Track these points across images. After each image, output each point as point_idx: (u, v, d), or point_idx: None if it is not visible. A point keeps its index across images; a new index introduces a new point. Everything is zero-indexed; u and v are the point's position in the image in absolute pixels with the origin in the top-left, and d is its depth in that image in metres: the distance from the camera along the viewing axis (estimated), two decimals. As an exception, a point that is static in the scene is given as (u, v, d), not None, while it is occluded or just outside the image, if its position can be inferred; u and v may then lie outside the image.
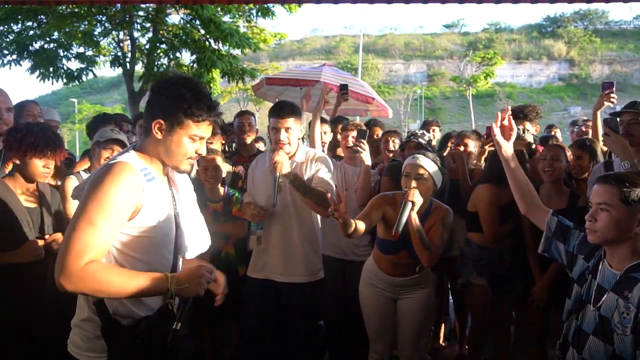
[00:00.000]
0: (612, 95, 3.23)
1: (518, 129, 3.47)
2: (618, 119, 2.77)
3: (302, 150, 3.03)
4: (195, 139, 1.65)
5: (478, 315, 3.40)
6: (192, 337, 3.39)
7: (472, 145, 3.87)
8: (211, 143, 3.55)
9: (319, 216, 3.02)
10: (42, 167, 2.44)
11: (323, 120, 4.29)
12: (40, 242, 2.43)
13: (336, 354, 3.69)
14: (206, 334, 3.42)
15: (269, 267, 2.95)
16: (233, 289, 3.08)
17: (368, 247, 3.49)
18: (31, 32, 9.27)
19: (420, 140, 3.58)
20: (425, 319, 2.98)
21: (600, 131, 3.20)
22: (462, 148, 3.87)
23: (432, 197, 2.87)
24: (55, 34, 9.46)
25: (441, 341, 4.22)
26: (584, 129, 4.42)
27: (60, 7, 8.80)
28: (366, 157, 3.28)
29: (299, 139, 2.97)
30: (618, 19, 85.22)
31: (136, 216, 1.57)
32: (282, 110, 2.86)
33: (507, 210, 3.16)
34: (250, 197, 3.08)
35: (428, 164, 2.71)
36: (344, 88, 4.77)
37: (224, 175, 3.44)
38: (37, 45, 9.37)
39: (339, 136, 4.22)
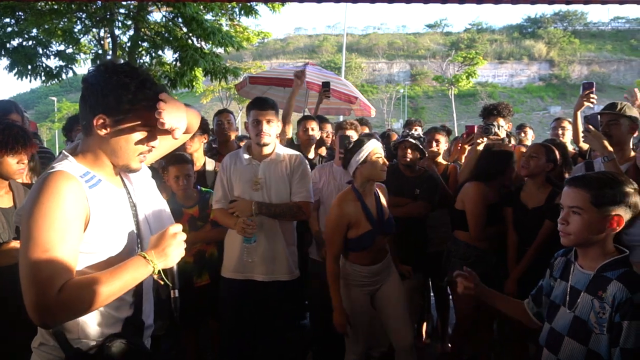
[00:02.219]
0: (591, 95, 3.30)
1: (493, 125, 3.56)
2: (599, 117, 2.82)
3: (280, 148, 3.05)
4: (146, 130, 1.48)
5: (462, 313, 3.44)
6: (172, 339, 3.39)
7: (443, 141, 4.01)
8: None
9: None
10: (17, 164, 2.39)
11: (312, 117, 4.31)
12: (17, 244, 2.39)
13: (320, 353, 3.70)
14: (189, 334, 3.41)
15: (250, 268, 2.93)
16: (217, 288, 3.12)
17: None
18: (9, 29, 9.09)
19: (414, 140, 3.61)
20: (405, 295, 3.03)
21: (581, 129, 3.27)
22: (433, 144, 3.98)
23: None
24: (34, 31, 9.28)
25: (424, 339, 4.25)
26: (559, 131, 4.48)
27: (39, 4, 8.65)
28: None
29: (276, 135, 3.00)
30: (596, 21, 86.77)
31: (87, 228, 1.40)
32: (264, 103, 2.91)
33: (494, 209, 3.25)
34: (222, 202, 2.99)
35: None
36: (326, 85, 4.78)
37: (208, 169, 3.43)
38: (15, 43, 9.18)
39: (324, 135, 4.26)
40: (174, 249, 1.46)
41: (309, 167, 3.11)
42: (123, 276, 1.37)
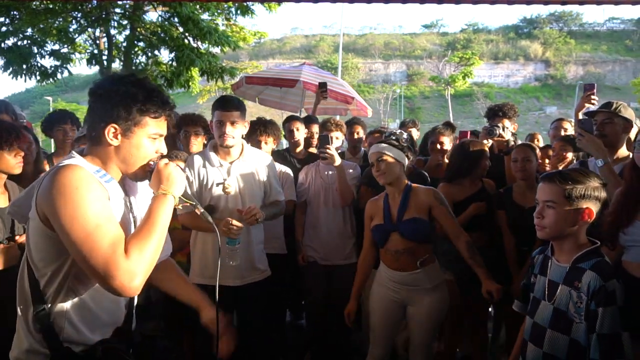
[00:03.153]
0: (592, 97, 3.32)
1: (497, 126, 3.56)
2: (593, 120, 2.83)
3: (249, 149, 3.00)
4: (155, 137, 1.54)
5: (452, 310, 3.46)
6: (169, 340, 3.37)
7: (447, 141, 3.96)
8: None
9: None
10: (14, 158, 2.41)
11: (296, 118, 4.31)
12: (9, 242, 2.38)
13: (318, 353, 3.69)
14: (187, 335, 3.39)
15: (221, 273, 2.82)
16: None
17: (353, 251, 3.55)
18: (4, 29, 9.04)
19: (398, 138, 3.60)
20: (436, 325, 2.89)
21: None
22: (438, 146, 3.93)
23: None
24: (29, 30, 9.23)
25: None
26: (562, 132, 4.46)
27: (34, 3, 8.62)
28: (335, 157, 3.32)
29: (242, 136, 2.94)
30: (592, 21, 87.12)
31: None
32: (228, 103, 2.83)
33: (464, 205, 3.28)
34: (189, 206, 2.90)
35: (388, 150, 2.80)
36: (322, 86, 4.78)
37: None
38: (9, 42, 9.13)
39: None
40: (175, 174, 1.54)
41: (275, 165, 3.13)
42: (159, 217, 1.45)
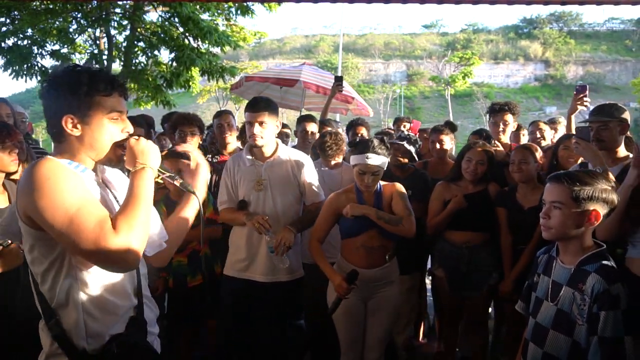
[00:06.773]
0: (585, 98, 3.31)
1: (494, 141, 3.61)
2: (589, 126, 2.80)
3: (283, 149, 3.03)
4: (114, 117, 1.50)
5: (443, 303, 3.56)
6: (169, 340, 3.37)
7: (448, 140, 3.96)
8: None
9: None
10: (8, 155, 2.41)
11: (314, 119, 4.28)
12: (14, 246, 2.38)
13: (317, 354, 3.69)
14: (186, 337, 3.40)
15: (251, 268, 2.94)
16: (212, 287, 3.12)
17: None
18: (4, 29, 9.03)
19: (406, 144, 3.61)
20: (397, 316, 2.98)
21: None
22: (438, 145, 3.93)
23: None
24: (29, 30, 9.22)
25: (420, 339, 4.25)
26: (537, 134, 4.38)
27: (35, 3, 8.61)
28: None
29: (275, 135, 2.98)
30: (592, 21, 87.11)
31: None
32: (256, 105, 2.88)
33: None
34: (229, 202, 3.01)
35: (378, 161, 2.77)
36: (338, 79, 4.78)
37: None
38: (10, 42, 9.13)
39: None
40: (148, 148, 1.52)
41: (312, 164, 3.12)
42: (141, 191, 1.44)
